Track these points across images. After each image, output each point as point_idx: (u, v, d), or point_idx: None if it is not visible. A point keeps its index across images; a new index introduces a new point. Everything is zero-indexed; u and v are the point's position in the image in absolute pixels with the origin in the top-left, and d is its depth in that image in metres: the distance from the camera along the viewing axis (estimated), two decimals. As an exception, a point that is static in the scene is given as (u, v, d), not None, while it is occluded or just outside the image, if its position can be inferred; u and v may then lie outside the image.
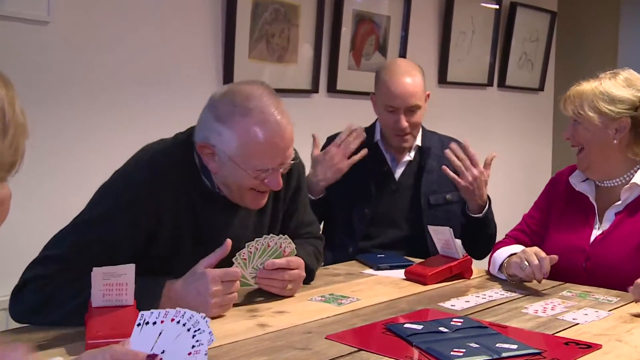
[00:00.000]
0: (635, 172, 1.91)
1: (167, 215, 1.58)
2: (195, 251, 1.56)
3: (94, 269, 1.33)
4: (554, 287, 1.86)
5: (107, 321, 1.31)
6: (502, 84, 4.17)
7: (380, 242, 2.36)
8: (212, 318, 1.45)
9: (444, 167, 2.22)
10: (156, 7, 2.61)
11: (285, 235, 1.65)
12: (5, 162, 0.89)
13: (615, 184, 1.94)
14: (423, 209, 2.37)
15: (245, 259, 1.59)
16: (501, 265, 1.91)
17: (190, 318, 0.98)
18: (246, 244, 1.59)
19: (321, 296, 1.71)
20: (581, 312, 1.60)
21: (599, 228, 1.93)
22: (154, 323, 0.98)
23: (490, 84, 4.09)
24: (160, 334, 0.97)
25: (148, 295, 1.42)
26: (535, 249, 1.83)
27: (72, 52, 2.38)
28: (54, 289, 1.44)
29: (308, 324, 1.48)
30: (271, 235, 1.62)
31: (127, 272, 1.34)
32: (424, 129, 2.47)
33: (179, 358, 0.97)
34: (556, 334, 1.44)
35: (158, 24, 2.62)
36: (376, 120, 2.46)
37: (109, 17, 2.47)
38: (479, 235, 2.28)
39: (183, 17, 2.70)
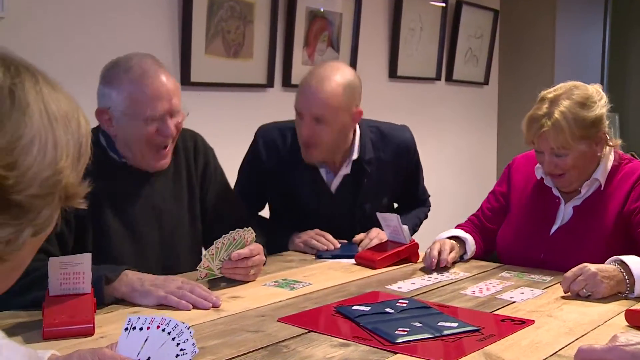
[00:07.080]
0: (597, 168, 1.87)
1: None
2: (115, 220, 1.67)
3: (51, 258, 1.33)
4: (494, 268, 1.92)
5: (64, 309, 1.31)
6: (449, 78, 4.24)
7: None
8: (169, 307, 1.47)
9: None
10: (114, 2, 2.57)
11: (249, 227, 1.70)
12: (71, 190, 0.79)
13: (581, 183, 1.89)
14: (357, 221, 2.16)
15: (212, 254, 1.66)
16: None
17: (175, 327, 0.99)
18: (214, 240, 1.64)
19: (274, 281, 1.74)
20: (518, 291, 1.66)
21: (558, 221, 1.92)
22: (141, 329, 0.99)
23: (438, 78, 4.16)
24: (146, 340, 0.98)
25: (107, 269, 1.46)
26: (443, 240, 1.92)
27: (26, 48, 2.33)
28: None
29: (261, 308, 1.51)
30: (237, 230, 1.68)
31: (83, 261, 1.34)
32: (362, 131, 2.13)
33: None
34: (494, 312, 1.50)
35: (115, 19, 2.57)
36: None
37: (62, 11, 2.42)
38: None
39: (140, 14, 2.66)
